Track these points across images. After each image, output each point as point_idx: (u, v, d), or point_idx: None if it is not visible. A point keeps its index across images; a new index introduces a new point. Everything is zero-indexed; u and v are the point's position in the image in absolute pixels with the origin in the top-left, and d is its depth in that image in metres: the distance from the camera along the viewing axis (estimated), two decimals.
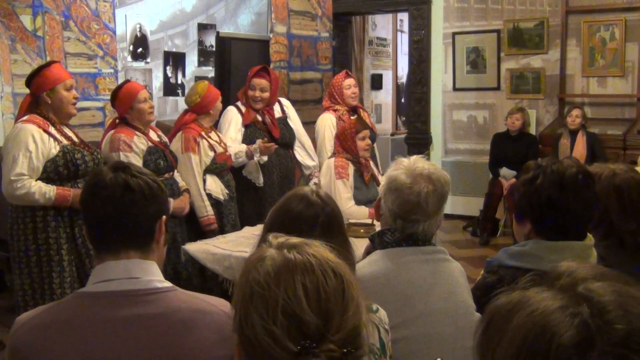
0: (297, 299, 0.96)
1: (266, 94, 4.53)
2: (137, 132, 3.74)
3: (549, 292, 0.78)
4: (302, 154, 4.79)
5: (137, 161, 3.59)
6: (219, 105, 4.24)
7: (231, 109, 4.55)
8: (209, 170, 4.11)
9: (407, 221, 1.92)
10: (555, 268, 0.82)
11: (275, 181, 4.61)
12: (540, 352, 0.73)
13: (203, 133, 4.12)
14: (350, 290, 1.00)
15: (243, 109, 4.55)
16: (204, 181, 4.09)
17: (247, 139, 4.48)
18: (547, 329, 0.73)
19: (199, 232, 3.99)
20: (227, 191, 4.19)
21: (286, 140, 4.66)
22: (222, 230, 4.10)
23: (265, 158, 4.45)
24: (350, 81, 4.98)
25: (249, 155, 4.36)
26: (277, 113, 4.70)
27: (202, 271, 3.89)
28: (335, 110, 4.94)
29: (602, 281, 0.77)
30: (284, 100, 4.90)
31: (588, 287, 0.76)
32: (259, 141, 4.40)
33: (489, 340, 0.80)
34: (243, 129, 4.50)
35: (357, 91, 5.02)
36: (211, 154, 4.10)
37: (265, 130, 4.56)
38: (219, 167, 4.15)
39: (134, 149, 3.66)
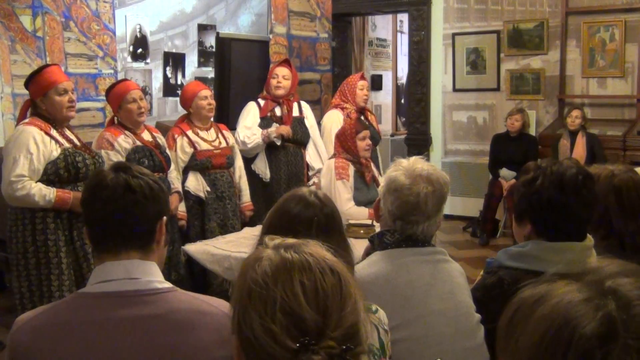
0: (296, 297, 0.96)
1: (287, 82, 4.74)
2: (126, 132, 3.76)
3: (575, 285, 0.78)
4: (313, 156, 4.86)
5: (118, 159, 3.62)
6: (200, 102, 4.21)
7: (250, 103, 4.76)
8: (190, 167, 4.14)
9: (406, 222, 1.92)
10: (584, 265, 0.82)
11: (282, 178, 4.69)
12: (563, 342, 0.73)
13: (190, 131, 4.16)
14: (347, 287, 1.01)
15: (262, 103, 4.72)
16: (186, 178, 4.14)
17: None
18: (571, 320, 0.73)
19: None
20: (208, 189, 4.18)
21: (297, 138, 4.76)
22: (202, 229, 4.11)
23: (277, 140, 4.60)
24: (364, 83, 5.17)
25: (264, 137, 4.54)
26: (295, 112, 4.83)
27: (193, 272, 3.93)
28: (343, 109, 5.01)
29: (630, 277, 0.77)
30: (303, 103, 5.03)
31: (616, 282, 0.76)
32: (275, 124, 4.62)
33: (513, 329, 0.81)
34: (259, 121, 4.64)
35: (368, 94, 5.20)
36: (189, 150, 4.12)
37: (279, 123, 4.70)
38: (199, 164, 4.16)
39: (116, 147, 3.69)
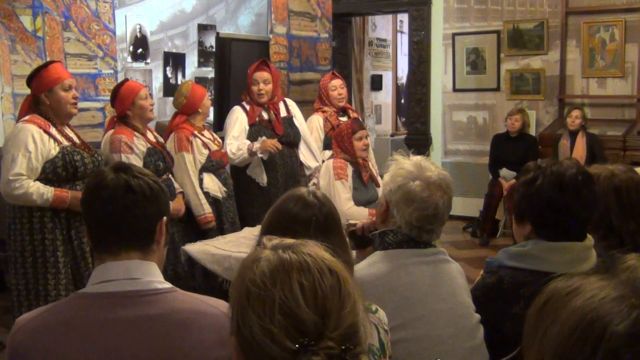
0: (294, 298, 0.96)
1: (269, 87, 4.56)
2: (136, 133, 3.73)
3: (610, 282, 0.78)
4: (306, 154, 4.78)
5: (138, 162, 3.58)
6: (207, 102, 4.25)
7: (236, 109, 4.58)
8: (205, 168, 4.12)
9: (424, 231, 1.92)
10: (620, 260, 0.82)
11: (280, 180, 4.58)
12: (593, 337, 0.73)
13: (196, 132, 4.13)
14: (346, 287, 1.00)
15: (248, 107, 4.57)
16: (201, 180, 4.10)
17: (251, 138, 4.50)
18: (603, 316, 0.73)
19: (197, 231, 3.99)
20: (224, 189, 4.19)
21: (290, 139, 4.65)
22: (221, 229, 4.11)
23: (264, 156, 4.45)
24: (336, 82, 4.97)
25: (250, 151, 4.39)
26: (283, 112, 4.71)
27: (205, 270, 3.90)
28: (323, 112, 4.94)
29: None
30: (289, 101, 4.90)
31: None
32: (262, 138, 4.43)
33: (543, 318, 0.80)
34: (248, 128, 4.51)
35: (343, 92, 4.98)
36: (205, 152, 4.10)
37: (269, 128, 4.58)
38: (215, 164, 4.16)
39: (135, 151, 3.66)
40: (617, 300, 0.74)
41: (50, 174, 3.21)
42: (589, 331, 0.74)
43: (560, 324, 0.77)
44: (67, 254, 3.29)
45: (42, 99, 3.28)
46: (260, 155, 4.43)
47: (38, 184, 3.18)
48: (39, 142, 3.17)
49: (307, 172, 4.79)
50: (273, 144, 4.40)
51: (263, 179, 4.52)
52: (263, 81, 4.54)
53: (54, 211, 3.24)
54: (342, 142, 4.15)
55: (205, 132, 4.23)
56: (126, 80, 4.09)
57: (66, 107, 3.31)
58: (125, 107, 3.74)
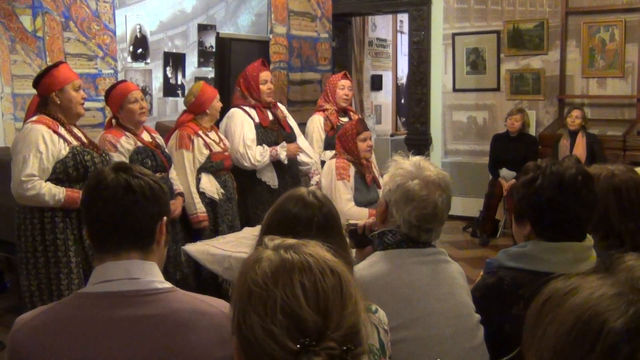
0: (296, 298, 0.96)
1: (273, 86, 4.61)
2: (127, 133, 3.76)
3: (608, 280, 0.79)
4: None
5: (122, 161, 3.60)
6: (217, 104, 4.24)
7: (238, 112, 4.50)
8: (204, 168, 4.12)
9: (423, 230, 1.93)
10: (619, 260, 0.84)
11: (289, 181, 4.58)
12: (591, 333, 0.74)
13: (200, 132, 4.13)
14: (348, 288, 1.00)
15: (251, 110, 4.52)
16: (200, 179, 4.10)
17: (260, 140, 4.47)
18: (602, 313, 0.74)
19: (191, 231, 3.99)
20: (222, 191, 4.18)
21: (291, 139, 4.67)
22: (216, 231, 4.10)
23: (286, 160, 4.51)
24: (345, 82, 4.99)
25: (273, 157, 4.43)
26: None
27: (198, 271, 3.91)
28: (324, 111, 4.94)
29: None
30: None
31: None
32: (283, 143, 4.48)
33: (542, 317, 0.82)
34: (255, 131, 4.48)
35: (350, 94, 5.01)
36: (206, 152, 4.10)
37: (276, 129, 4.57)
38: (215, 166, 4.15)
39: (119, 149, 3.68)
40: (614, 297, 0.76)
41: (61, 174, 3.22)
42: (587, 328, 0.75)
43: (559, 322, 0.78)
44: (79, 254, 3.30)
45: (52, 99, 3.28)
46: (283, 159, 4.48)
47: (50, 184, 3.18)
48: (50, 143, 3.18)
49: (304, 168, 4.76)
50: (296, 148, 4.50)
51: (275, 181, 4.51)
52: (270, 80, 4.57)
53: (65, 211, 3.24)
54: (346, 143, 4.15)
55: (212, 133, 4.23)
56: (122, 81, 4.10)
57: (76, 107, 3.33)
58: (114, 109, 3.81)
